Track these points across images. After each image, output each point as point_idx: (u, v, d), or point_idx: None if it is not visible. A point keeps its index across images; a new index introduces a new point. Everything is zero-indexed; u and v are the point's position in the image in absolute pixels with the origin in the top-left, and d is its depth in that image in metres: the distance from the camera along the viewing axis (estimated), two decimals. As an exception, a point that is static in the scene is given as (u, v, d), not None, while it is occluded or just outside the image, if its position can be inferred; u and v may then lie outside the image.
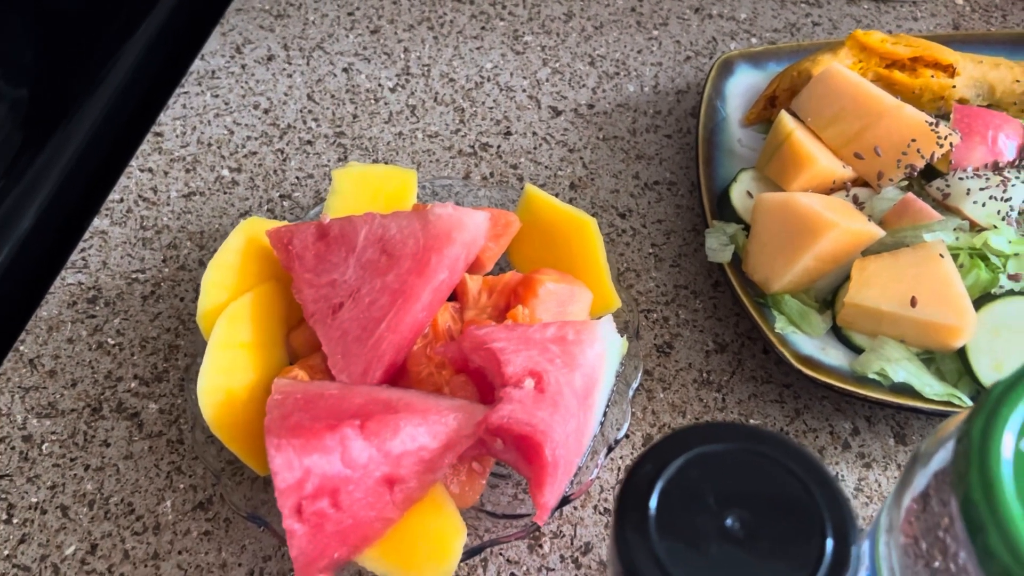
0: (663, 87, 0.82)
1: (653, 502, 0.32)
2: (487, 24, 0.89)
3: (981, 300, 0.55)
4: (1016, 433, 0.31)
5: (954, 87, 0.68)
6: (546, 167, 0.76)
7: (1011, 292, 0.55)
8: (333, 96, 0.83)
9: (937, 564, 0.31)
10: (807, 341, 0.58)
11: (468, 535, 0.50)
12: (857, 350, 0.57)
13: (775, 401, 0.60)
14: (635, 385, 0.56)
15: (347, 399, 0.50)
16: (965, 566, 0.29)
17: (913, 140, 0.60)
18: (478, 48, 0.87)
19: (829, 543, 0.31)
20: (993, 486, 0.29)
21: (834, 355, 0.57)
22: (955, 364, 0.55)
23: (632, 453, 0.59)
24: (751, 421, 0.59)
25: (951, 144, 0.60)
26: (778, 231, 0.59)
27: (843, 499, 0.32)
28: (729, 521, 0.32)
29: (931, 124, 0.60)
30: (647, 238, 0.70)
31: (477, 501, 0.53)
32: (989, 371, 0.54)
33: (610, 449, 0.54)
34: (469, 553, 0.51)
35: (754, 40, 0.86)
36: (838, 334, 0.58)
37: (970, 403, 0.54)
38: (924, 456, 0.33)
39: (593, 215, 0.72)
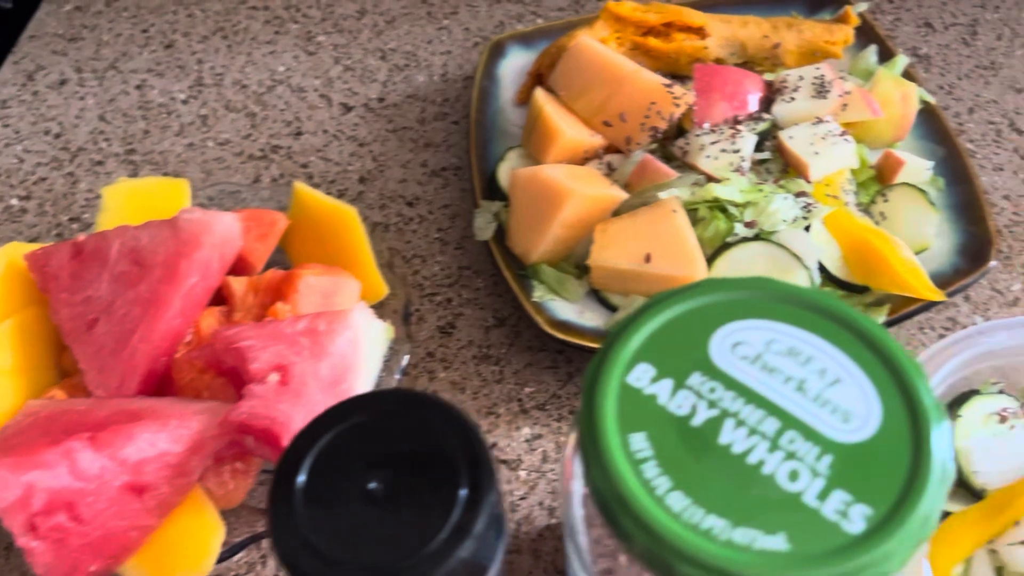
0: (452, 75, 0.83)
1: (302, 476, 0.34)
2: (281, 28, 0.89)
3: (719, 249, 0.57)
4: (624, 368, 0.33)
5: (706, 48, 0.70)
6: (336, 163, 0.77)
7: (744, 239, 0.57)
8: (125, 114, 0.82)
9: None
10: (566, 307, 0.60)
11: (235, 532, 0.51)
12: (614, 310, 0.60)
13: (549, 367, 0.62)
14: (403, 366, 0.58)
15: (91, 413, 0.50)
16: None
17: (653, 103, 0.62)
18: (271, 52, 0.87)
19: (463, 492, 0.33)
20: (594, 420, 0.31)
21: (591, 317, 0.59)
22: (703, 313, 0.58)
23: (411, 434, 0.60)
24: (526, 389, 0.61)
25: (687, 104, 0.62)
26: (529, 204, 0.60)
27: (480, 449, 0.34)
28: (372, 484, 0.33)
29: (667, 86, 0.63)
30: (433, 224, 0.72)
31: (246, 499, 0.54)
32: (729, 316, 0.56)
33: (376, 432, 0.55)
34: (234, 549, 0.51)
35: (540, 20, 0.87)
36: (598, 297, 0.61)
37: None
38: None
39: (381, 206, 0.73)
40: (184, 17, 0.91)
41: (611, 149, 0.65)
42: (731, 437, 0.31)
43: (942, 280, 0.59)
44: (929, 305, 0.58)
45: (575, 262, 0.61)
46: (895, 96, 0.66)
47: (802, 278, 0.56)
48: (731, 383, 0.32)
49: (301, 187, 0.64)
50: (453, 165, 0.76)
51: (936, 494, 0.29)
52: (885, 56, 0.72)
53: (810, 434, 0.31)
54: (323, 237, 0.63)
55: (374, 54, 0.86)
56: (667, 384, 0.32)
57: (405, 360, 0.58)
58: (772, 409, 0.31)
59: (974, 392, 0.51)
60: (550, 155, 0.63)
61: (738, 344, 0.33)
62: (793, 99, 0.63)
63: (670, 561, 0.28)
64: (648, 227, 0.57)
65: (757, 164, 0.63)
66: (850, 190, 0.63)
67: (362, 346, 0.55)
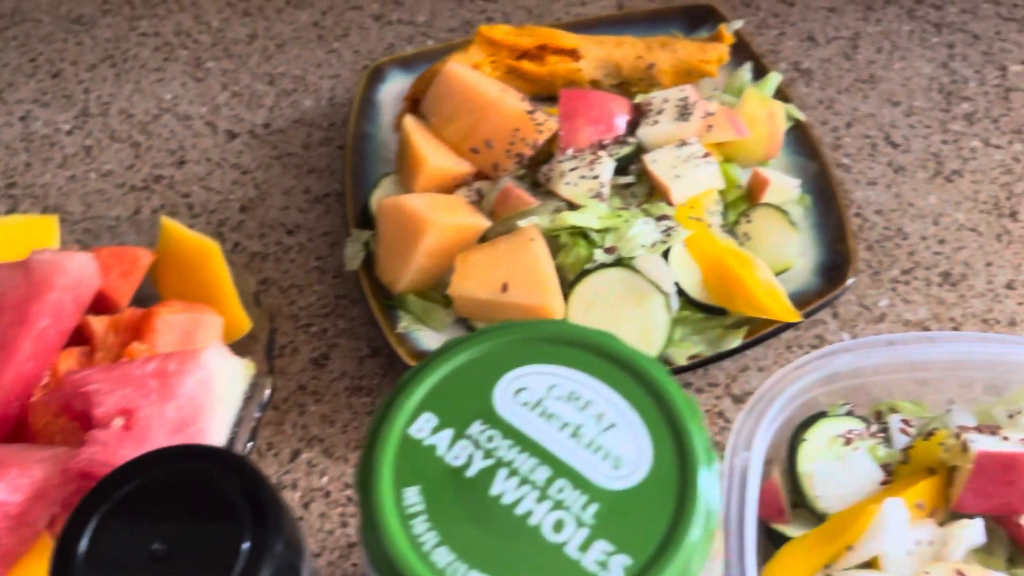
0: (339, 99, 0.83)
1: (84, 543, 0.33)
2: (170, 55, 0.88)
3: (579, 276, 0.58)
4: (407, 418, 0.32)
5: (580, 70, 0.71)
6: (218, 192, 0.76)
7: (602, 265, 0.57)
8: (8, 147, 0.81)
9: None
10: (432, 336, 0.60)
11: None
12: (481, 338, 0.59)
13: (420, 397, 0.62)
14: (263, 402, 0.57)
15: (-70, 465, 0.49)
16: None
17: (516, 130, 0.62)
18: (159, 80, 0.86)
19: (245, 545, 0.32)
20: (369, 475, 0.31)
21: (455, 346, 0.59)
22: (567, 339, 0.58)
23: (279, 470, 0.60)
24: (397, 420, 0.61)
25: (550, 129, 0.63)
26: (394, 233, 0.60)
27: (265, 498, 0.33)
28: (156, 545, 0.33)
29: (529, 112, 0.63)
30: (312, 252, 0.71)
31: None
32: (588, 342, 0.56)
33: (234, 471, 0.54)
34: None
35: (430, 42, 0.87)
36: (467, 325, 0.60)
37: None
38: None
39: (261, 235, 0.73)
40: (73, 45, 0.90)
41: (481, 176, 0.65)
42: (503, 487, 0.31)
43: (805, 299, 0.60)
44: (787, 326, 0.58)
45: (443, 291, 0.61)
46: (761, 115, 0.66)
47: (658, 303, 0.56)
48: (509, 431, 0.32)
49: (167, 221, 0.63)
50: (336, 191, 0.75)
51: (698, 541, 0.29)
52: (760, 73, 0.73)
53: (580, 482, 0.31)
54: (187, 272, 0.62)
55: (262, 79, 0.85)
56: (447, 434, 0.32)
57: (267, 396, 0.57)
58: (545, 457, 0.31)
59: (822, 414, 0.52)
60: (418, 183, 0.63)
61: (521, 390, 0.33)
62: (657, 122, 0.64)
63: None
64: (506, 256, 0.57)
65: (623, 188, 0.63)
66: (716, 211, 0.63)
67: (215, 386, 0.54)
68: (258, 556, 0.32)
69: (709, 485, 0.30)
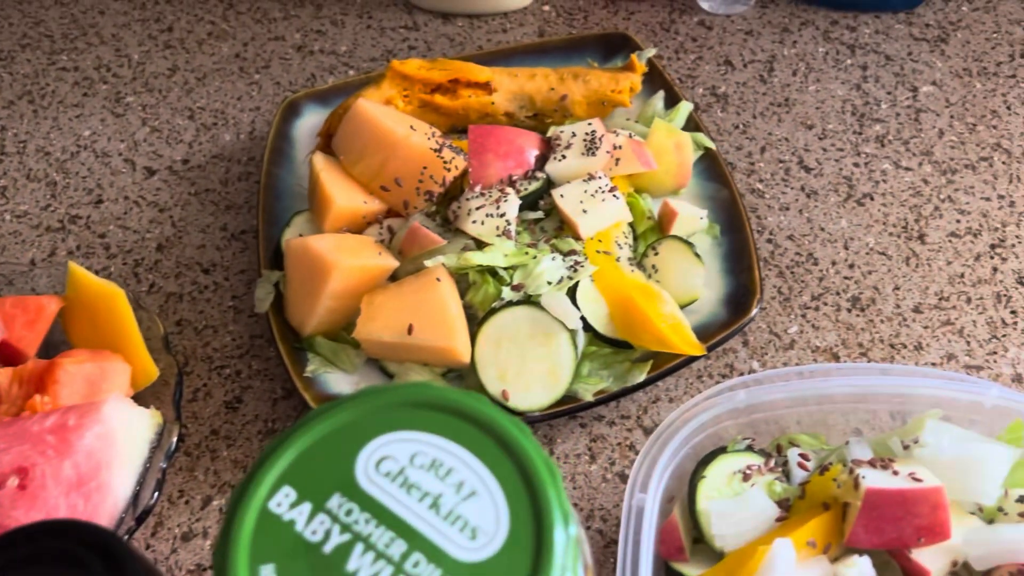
0: (259, 132, 0.82)
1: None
2: (89, 89, 0.88)
3: (486, 315, 0.58)
4: (267, 491, 0.32)
5: (493, 103, 0.71)
6: (135, 231, 0.75)
7: (509, 303, 0.57)
8: (-79, 188, 0.80)
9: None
10: (341, 379, 0.59)
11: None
12: (392, 377, 0.59)
13: (334, 438, 0.62)
14: (170, 451, 0.57)
15: None
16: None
17: (425, 167, 0.62)
18: (78, 116, 0.85)
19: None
20: (226, 551, 0.31)
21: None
22: (477, 378, 0.58)
23: (191, 519, 0.59)
24: (310, 463, 0.61)
25: (457, 167, 0.63)
26: (302, 275, 0.60)
27: (122, 562, 0.33)
28: (15, 628, 0.32)
29: (436, 150, 0.63)
30: (228, 291, 0.71)
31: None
32: (495, 382, 0.57)
33: (139, 521, 0.54)
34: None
35: (352, 72, 0.87)
36: (379, 365, 0.60)
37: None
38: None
39: (177, 275, 0.72)
40: (-10, 81, 0.89)
41: (393, 213, 0.65)
42: (359, 563, 0.30)
43: (711, 331, 0.60)
44: (693, 358, 0.59)
45: (352, 333, 0.61)
46: (669, 145, 0.67)
47: (563, 340, 0.57)
48: (368, 503, 0.32)
49: (74, 267, 0.62)
50: (253, 228, 0.75)
51: (552, 609, 0.29)
52: (673, 101, 0.73)
53: (435, 555, 0.31)
54: (95, 318, 0.61)
55: (182, 113, 0.85)
56: (306, 508, 0.32)
57: (173, 444, 0.57)
58: (403, 530, 0.31)
59: (722, 450, 0.52)
60: (327, 223, 0.63)
61: (383, 459, 0.33)
62: (564, 156, 0.64)
63: None
64: (412, 296, 0.57)
65: (532, 223, 0.63)
66: (626, 244, 0.63)
67: (116, 438, 0.54)
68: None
69: (564, 548, 0.30)
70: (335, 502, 0.32)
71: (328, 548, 0.31)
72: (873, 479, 0.47)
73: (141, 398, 0.60)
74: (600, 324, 0.59)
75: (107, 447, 0.53)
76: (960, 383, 0.52)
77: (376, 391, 0.35)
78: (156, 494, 0.55)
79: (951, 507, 0.48)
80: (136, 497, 0.56)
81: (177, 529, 0.59)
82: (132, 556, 0.34)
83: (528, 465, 0.32)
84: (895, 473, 0.47)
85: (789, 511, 0.49)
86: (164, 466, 0.56)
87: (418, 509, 0.32)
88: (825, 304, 0.66)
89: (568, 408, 0.57)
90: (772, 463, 0.52)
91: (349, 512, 0.32)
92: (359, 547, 0.31)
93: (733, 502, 0.49)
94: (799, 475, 0.51)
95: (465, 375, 0.59)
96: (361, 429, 0.34)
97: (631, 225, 0.65)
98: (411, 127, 0.64)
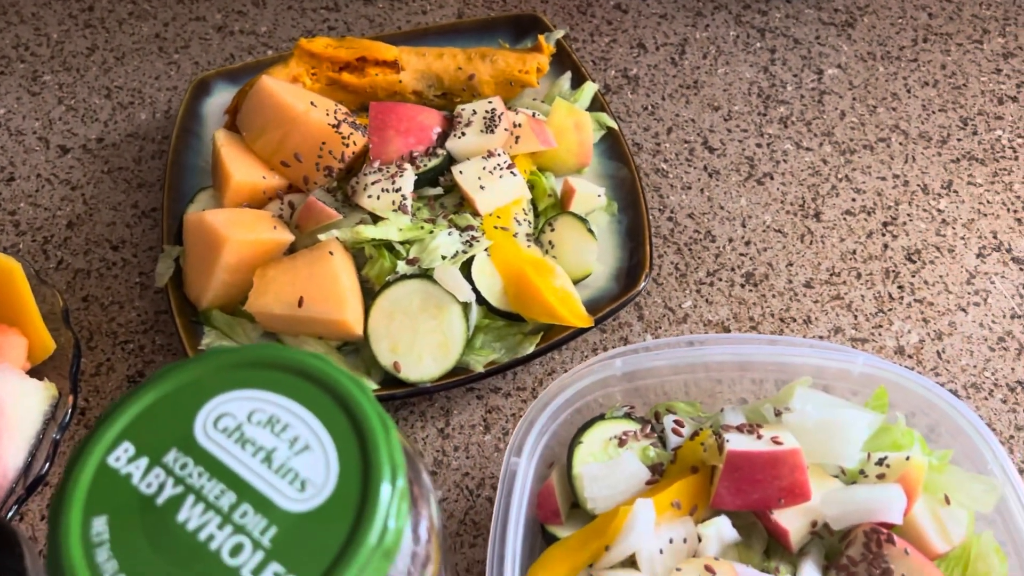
0: (175, 111, 0.82)
1: None
2: (6, 68, 0.87)
3: (381, 289, 0.59)
4: (106, 447, 0.33)
5: (401, 81, 0.72)
6: (45, 209, 0.75)
7: (403, 276, 0.58)
8: None
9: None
10: (238, 351, 0.60)
11: None
12: (288, 351, 0.60)
13: (233, 411, 0.62)
14: (63, 422, 0.57)
15: None
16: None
17: (324, 143, 0.63)
18: (-7, 95, 0.85)
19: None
20: (60, 504, 0.32)
21: (260, 361, 0.59)
22: (370, 350, 0.59)
23: (87, 489, 0.59)
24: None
25: (357, 143, 0.63)
26: (198, 249, 0.61)
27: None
28: None
29: (335, 126, 0.63)
30: (136, 267, 0.71)
31: None
32: (387, 354, 0.58)
33: (30, 490, 0.55)
34: None
35: (271, 52, 0.87)
36: (276, 339, 0.61)
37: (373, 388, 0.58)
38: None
39: (86, 252, 0.72)
40: (-94, 59, 0.88)
41: (294, 189, 0.66)
42: (188, 514, 0.31)
43: (603, 304, 0.62)
44: (583, 330, 0.60)
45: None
46: (569, 125, 0.68)
47: (455, 313, 0.58)
48: (203, 458, 0.33)
49: (-26, 243, 0.63)
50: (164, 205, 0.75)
51: (371, 558, 0.31)
52: (580, 82, 0.74)
53: (263, 506, 0.32)
54: (-7, 294, 0.62)
55: (100, 92, 0.85)
56: (143, 463, 0.33)
57: (67, 416, 0.57)
58: (234, 483, 0.32)
59: (600, 417, 0.53)
60: (227, 198, 0.64)
61: (222, 416, 0.34)
62: (464, 134, 0.65)
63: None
64: (305, 270, 0.58)
65: (432, 199, 0.64)
66: (525, 220, 0.65)
67: (7, 409, 0.54)
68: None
69: (389, 501, 0.32)
70: (171, 457, 0.33)
71: (161, 500, 0.32)
72: (736, 442, 0.48)
73: (39, 372, 0.61)
74: (494, 297, 0.60)
75: (-5, 418, 0.54)
76: (831, 351, 0.54)
77: (221, 351, 0.36)
78: (48, 464, 0.56)
79: (815, 470, 0.50)
80: (28, 467, 0.56)
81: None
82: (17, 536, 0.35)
83: (363, 421, 0.33)
84: (759, 437, 0.49)
85: (662, 475, 0.51)
86: (58, 437, 0.57)
87: (251, 463, 0.33)
88: (720, 280, 0.68)
89: (459, 379, 0.58)
90: (648, 429, 0.53)
91: (184, 466, 0.33)
92: (190, 499, 0.32)
93: (606, 466, 0.50)
94: (673, 441, 0.52)
95: (360, 348, 0.60)
96: (203, 387, 0.35)
97: (532, 202, 0.66)
98: (312, 103, 0.65)
